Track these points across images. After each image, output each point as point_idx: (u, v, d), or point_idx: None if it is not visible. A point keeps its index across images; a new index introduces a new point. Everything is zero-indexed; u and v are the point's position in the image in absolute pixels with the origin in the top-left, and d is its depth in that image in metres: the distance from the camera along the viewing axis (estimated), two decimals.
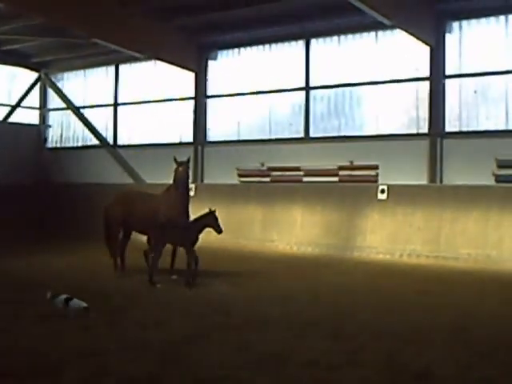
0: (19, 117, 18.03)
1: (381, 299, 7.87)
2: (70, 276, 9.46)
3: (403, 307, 7.39)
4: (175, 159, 9.45)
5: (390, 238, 12.25)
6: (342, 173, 13.29)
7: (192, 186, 13.25)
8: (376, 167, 12.93)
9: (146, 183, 15.58)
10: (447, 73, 12.45)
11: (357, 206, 12.77)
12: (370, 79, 13.28)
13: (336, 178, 13.32)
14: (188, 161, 9.49)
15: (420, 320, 6.65)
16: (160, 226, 8.80)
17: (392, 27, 11.95)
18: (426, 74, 12.60)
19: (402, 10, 11.15)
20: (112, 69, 17.03)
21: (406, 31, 11.70)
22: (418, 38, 12.02)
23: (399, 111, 13.15)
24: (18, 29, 14.47)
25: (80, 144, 17.86)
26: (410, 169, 12.63)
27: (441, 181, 12.48)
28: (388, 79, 13.08)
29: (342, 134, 13.59)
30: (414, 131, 12.85)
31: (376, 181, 12.88)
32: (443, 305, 7.53)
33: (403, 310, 7.25)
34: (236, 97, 15.00)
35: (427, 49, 12.42)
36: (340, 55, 13.65)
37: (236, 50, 14.99)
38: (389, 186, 12.44)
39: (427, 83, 12.59)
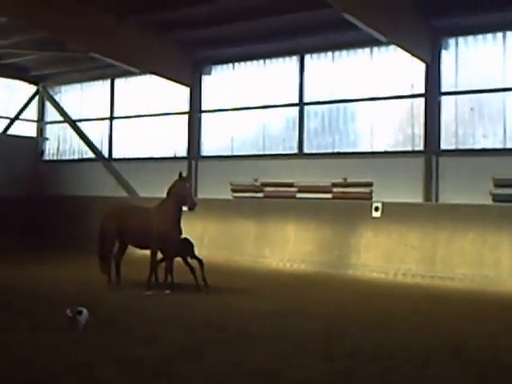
0: (17, 129, 18.10)
1: (374, 318, 7.76)
2: (63, 287, 9.51)
3: (397, 326, 7.29)
4: (180, 174, 9.59)
5: (385, 256, 12.05)
6: (335, 190, 13.12)
7: None
8: (370, 184, 12.74)
9: (140, 197, 15.56)
10: (443, 89, 12.24)
11: (351, 223, 12.61)
12: (365, 95, 13.12)
13: (330, 195, 13.16)
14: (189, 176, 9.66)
15: (414, 339, 6.57)
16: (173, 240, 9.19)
17: (387, 43, 11.80)
18: (422, 90, 12.42)
19: (397, 27, 10.98)
20: (108, 83, 17.08)
21: (402, 47, 11.52)
22: (413, 55, 11.86)
23: (394, 128, 12.94)
24: (17, 43, 14.56)
25: (76, 157, 17.90)
26: (405, 186, 12.40)
27: (436, 199, 12.23)
28: (383, 95, 12.91)
29: (336, 150, 13.43)
30: (410, 148, 12.64)
31: (370, 198, 12.69)
32: (437, 324, 7.45)
33: (397, 329, 7.15)
34: (230, 112, 14.93)
35: (423, 65, 12.24)
36: (334, 71, 13.52)
37: (230, 64, 14.92)
38: (383, 204, 12.23)
39: (422, 100, 12.40)
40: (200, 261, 9.65)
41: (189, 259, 9.71)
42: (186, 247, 9.74)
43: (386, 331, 6.98)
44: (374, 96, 13.03)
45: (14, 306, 7.92)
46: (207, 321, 7.23)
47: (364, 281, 11.33)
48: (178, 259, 9.70)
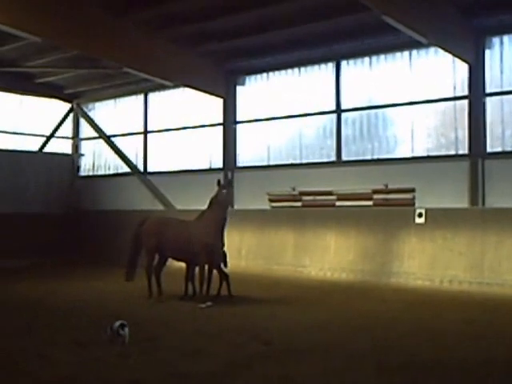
0: (53, 147, 18.29)
1: (424, 329, 7.42)
2: (104, 302, 9.45)
3: (449, 338, 6.92)
4: (219, 182, 9.34)
5: (429, 263, 11.67)
6: (376, 196, 12.79)
7: None
8: (412, 190, 12.37)
9: (176, 209, 15.50)
10: (487, 90, 11.80)
11: (393, 230, 12.29)
12: (405, 100, 12.77)
13: (370, 202, 12.82)
14: (230, 183, 9.46)
15: (470, 352, 6.19)
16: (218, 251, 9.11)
17: (428, 45, 11.49)
18: (465, 92, 12.01)
19: (438, 27, 10.60)
20: (141, 97, 17.09)
21: (444, 49, 11.16)
22: (455, 56, 11.48)
23: (436, 132, 12.53)
24: (51, 62, 14.75)
25: (111, 172, 17.96)
26: (450, 192, 11.99)
27: (483, 203, 11.77)
28: (424, 99, 12.52)
29: (376, 156, 13.10)
30: (453, 152, 12.21)
31: (413, 204, 12.32)
32: (493, 335, 7.06)
33: (450, 340, 6.78)
34: (265, 121, 14.74)
35: (465, 66, 11.84)
36: (372, 76, 13.22)
37: (264, 74, 14.75)
38: (427, 210, 11.87)
39: (466, 102, 11.98)
40: (226, 275, 9.66)
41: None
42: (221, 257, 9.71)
43: (439, 343, 6.63)
44: (413, 100, 12.67)
45: (56, 322, 7.86)
46: (253, 334, 7.01)
47: (408, 289, 11.00)
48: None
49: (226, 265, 9.81)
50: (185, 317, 8.26)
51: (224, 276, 9.69)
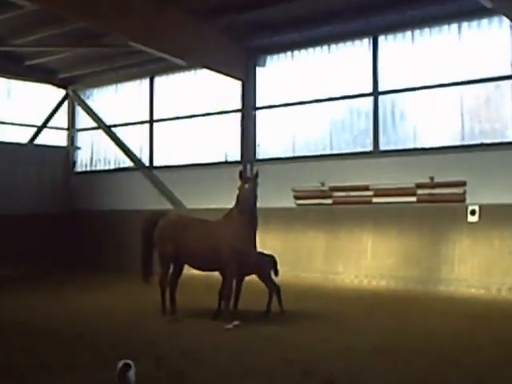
0: (46, 138, 17.00)
1: (503, 351, 6.33)
2: (109, 321, 8.23)
3: None
4: (241, 174, 7.99)
5: (485, 268, 10.65)
6: (420, 191, 11.50)
7: None
8: (463, 184, 11.02)
9: (187, 208, 14.16)
10: None
11: (440, 230, 11.22)
12: (453, 79, 11.33)
13: (414, 198, 11.52)
14: (256, 175, 7.91)
15: None
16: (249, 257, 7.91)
17: (479, 16, 10.20)
18: None
19: None
20: (146, 82, 15.80)
21: (505, 15, 9.69)
22: None
23: (491, 116, 11.05)
24: (42, 39, 13.24)
25: (112, 167, 16.69)
26: (507, 185, 10.62)
27: None
28: (476, 78, 11.07)
29: (419, 145, 11.70)
30: (511, 139, 10.76)
31: (463, 200, 11.06)
32: None
33: None
34: (290, 107, 13.35)
35: None
36: (414, 52, 11.77)
37: (288, 53, 13.34)
38: (481, 206, 10.76)
39: None
40: (277, 287, 8.56)
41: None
42: (266, 264, 8.53)
43: None
44: (464, 79, 11.21)
45: (41, 348, 6.49)
46: (305, 368, 5.66)
47: (461, 299, 9.99)
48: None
49: (276, 273, 8.64)
50: (213, 342, 6.84)
51: (274, 287, 8.47)
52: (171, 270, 8.39)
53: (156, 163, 15.64)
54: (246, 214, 7.62)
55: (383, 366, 5.74)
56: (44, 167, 16.33)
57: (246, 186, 7.72)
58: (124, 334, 7.33)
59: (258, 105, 13.82)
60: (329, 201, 12.47)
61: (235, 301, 7.91)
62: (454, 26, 11.28)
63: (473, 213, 10.80)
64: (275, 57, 13.57)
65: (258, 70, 13.79)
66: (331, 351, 6.37)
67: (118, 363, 5.03)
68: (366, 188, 11.97)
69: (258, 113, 13.85)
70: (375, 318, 8.28)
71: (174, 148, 15.27)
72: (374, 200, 11.89)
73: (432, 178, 11.34)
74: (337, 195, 12.39)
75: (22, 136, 16.49)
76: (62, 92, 17.18)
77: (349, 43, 12.55)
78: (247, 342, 6.83)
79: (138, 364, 5.07)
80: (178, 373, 5.47)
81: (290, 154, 13.31)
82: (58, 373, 5.60)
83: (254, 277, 8.44)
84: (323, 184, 12.51)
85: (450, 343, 6.72)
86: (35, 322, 8.22)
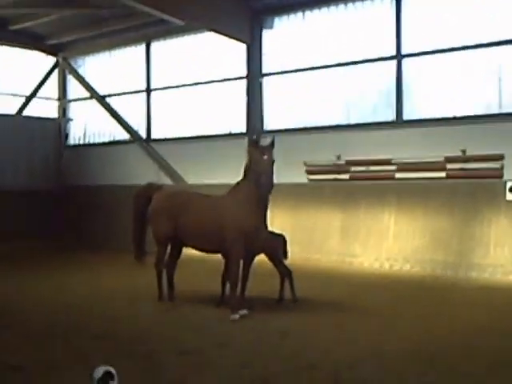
0: (35, 109, 16.30)
1: None
2: (89, 310, 7.39)
3: None
4: (251, 141, 7.25)
5: None
6: (450, 166, 10.47)
7: None
8: (500, 157, 10.00)
9: (188, 184, 13.40)
10: None
11: (474, 209, 10.19)
12: (487, 39, 10.14)
13: (443, 174, 10.52)
14: (272, 145, 6.86)
15: None
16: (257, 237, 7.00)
17: None
18: None
19: None
20: (143, 47, 14.83)
21: None
22: None
23: None
24: (25, 0, 12.24)
25: (107, 140, 15.92)
26: None
27: None
28: None
29: (450, 115, 10.60)
30: None
31: (501, 176, 10.06)
32: None
33: None
34: (300, 73, 12.24)
35: None
36: (444, 9, 10.53)
37: (299, 13, 12.14)
38: None
39: None
40: (289, 271, 7.75)
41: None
42: (278, 245, 7.72)
43: None
44: (500, 39, 10.00)
45: (17, 342, 5.77)
46: (332, 377, 4.76)
47: (500, 287, 8.92)
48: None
49: (286, 255, 7.79)
50: (217, 339, 5.92)
51: (286, 272, 7.67)
52: (168, 251, 7.63)
53: (154, 136, 14.85)
54: (263, 189, 6.62)
55: (432, 376, 4.75)
56: (33, 140, 15.69)
57: (265, 157, 6.66)
58: (109, 326, 6.42)
59: (264, 71, 12.73)
60: (345, 176, 11.47)
61: (242, 287, 7.06)
62: None
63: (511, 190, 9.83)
64: (284, 18, 12.40)
65: (265, 32, 12.68)
66: (363, 355, 5.35)
67: (96, 370, 3.97)
68: (388, 162, 10.94)
69: (265, 79, 12.76)
70: (405, 311, 7.23)
71: (174, 119, 14.45)
72: (397, 175, 10.85)
73: (464, 151, 10.32)
74: (355, 170, 11.41)
75: (10, 107, 15.79)
76: (51, 60, 16.34)
77: (368, 1, 11.33)
78: (258, 339, 5.89)
79: (122, 369, 4.15)
80: (173, 381, 4.64)
81: (302, 125, 12.25)
82: (27, 374, 4.78)
83: (263, 258, 7.54)
84: (339, 157, 11.51)
85: (495, 335, 5.91)
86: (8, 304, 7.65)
